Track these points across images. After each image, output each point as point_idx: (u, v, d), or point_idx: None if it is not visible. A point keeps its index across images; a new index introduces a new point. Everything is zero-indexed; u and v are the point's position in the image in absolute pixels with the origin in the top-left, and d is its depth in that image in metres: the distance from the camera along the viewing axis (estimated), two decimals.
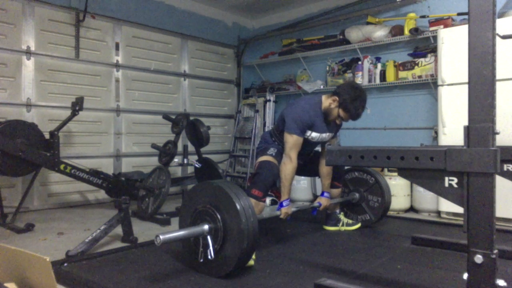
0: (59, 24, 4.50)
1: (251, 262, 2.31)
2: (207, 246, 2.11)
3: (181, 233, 2.09)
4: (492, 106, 1.41)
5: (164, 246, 2.79)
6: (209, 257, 2.10)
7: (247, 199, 2.15)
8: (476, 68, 1.44)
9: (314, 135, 2.93)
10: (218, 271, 2.13)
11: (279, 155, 2.97)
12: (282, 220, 2.87)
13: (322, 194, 3.17)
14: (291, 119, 2.84)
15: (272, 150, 2.98)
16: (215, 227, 2.12)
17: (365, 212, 3.40)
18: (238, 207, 2.05)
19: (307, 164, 3.19)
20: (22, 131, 3.58)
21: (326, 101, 2.89)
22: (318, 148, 3.25)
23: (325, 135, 3.00)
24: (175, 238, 2.05)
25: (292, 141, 2.82)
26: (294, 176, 2.89)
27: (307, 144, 2.99)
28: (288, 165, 2.82)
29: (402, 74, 4.56)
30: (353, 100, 2.78)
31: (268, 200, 4.26)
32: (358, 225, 3.31)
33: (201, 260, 2.14)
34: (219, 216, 2.11)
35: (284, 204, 2.83)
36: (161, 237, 1.96)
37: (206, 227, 2.13)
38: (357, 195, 3.41)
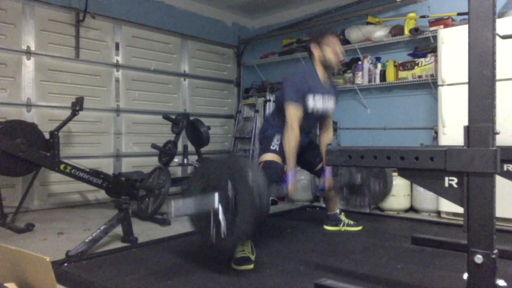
0: (59, 24, 4.50)
1: (251, 266, 2.30)
2: (218, 223, 2.06)
3: (193, 201, 2.08)
4: (492, 106, 1.40)
5: (164, 246, 2.80)
6: (221, 231, 2.05)
7: (259, 171, 2.10)
8: (476, 68, 1.43)
9: (318, 102, 2.88)
10: (227, 242, 2.08)
11: (283, 148, 2.93)
12: (282, 220, 2.86)
13: (323, 172, 3.09)
14: (287, 88, 2.80)
15: (275, 142, 2.90)
16: (226, 197, 2.05)
17: (365, 196, 3.37)
18: (250, 178, 1.99)
19: (306, 150, 3.14)
20: (22, 131, 3.58)
21: (315, 60, 2.92)
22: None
23: (328, 98, 2.96)
24: (188, 208, 2.05)
25: (292, 111, 2.77)
26: (297, 145, 2.83)
27: (311, 118, 2.94)
28: (291, 134, 2.77)
29: (402, 74, 4.56)
30: (321, 30, 2.96)
31: None
32: (359, 228, 3.30)
33: (214, 241, 2.08)
34: (231, 187, 2.05)
35: (290, 175, 2.78)
36: (173, 203, 1.96)
37: (217, 195, 2.06)
38: (358, 177, 3.37)
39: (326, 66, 2.91)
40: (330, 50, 2.86)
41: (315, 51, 2.90)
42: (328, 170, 3.09)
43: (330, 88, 3.02)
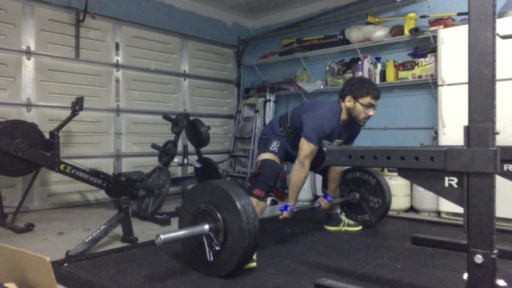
0: (59, 24, 4.50)
1: (254, 264, 2.30)
2: (211, 245, 2.11)
3: (182, 232, 2.09)
4: (492, 106, 1.40)
5: (164, 246, 2.79)
6: (209, 258, 2.09)
7: (248, 198, 2.14)
8: (476, 68, 1.43)
9: (325, 142, 2.93)
10: (219, 271, 2.13)
11: (282, 151, 2.94)
12: (282, 220, 2.87)
13: (325, 197, 3.15)
14: (311, 127, 2.75)
15: (275, 145, 2.93)
16: (216, 227, 2.12)
17: (365, 213, 3.39)
18: (238, 206, 2.05)
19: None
20: (22, 131, 3.58)
21: (344, 105, 2.87)
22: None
23: (340, 137, 3.03)
24: (176, 238, 2.05)
25: (308, 149, 2.75)
26: (304, 183, 2.86)
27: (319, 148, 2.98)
28: (301, 172, 2.77)
29: (402, 74, 4.55)
30: (361, 82, 2.84)
31: (268, 200, 4.26)
32: (360, 228, 3.30)
33: (211, 259, 2.12)
34: (219, 216, 2.11)
35: (288, 209, 2.80)
36: (161, 236, 1.96)
37: (206, 226, 2.13)
38: (357, 195, 3.41)
39: (351, 117, 2.90)
40: (362, 110, 2.82)
41: (348, 103, 2.84)
42: (329, 196, 3.16)
43: (346, 128, 3.01)
